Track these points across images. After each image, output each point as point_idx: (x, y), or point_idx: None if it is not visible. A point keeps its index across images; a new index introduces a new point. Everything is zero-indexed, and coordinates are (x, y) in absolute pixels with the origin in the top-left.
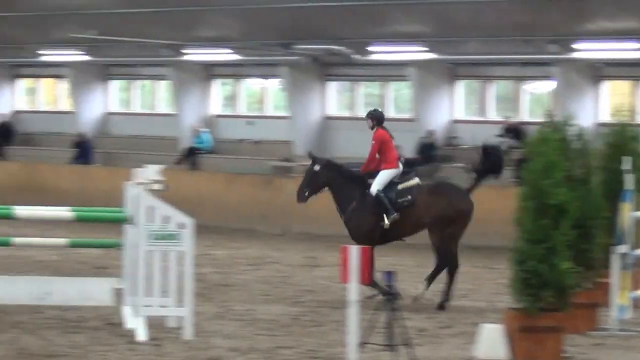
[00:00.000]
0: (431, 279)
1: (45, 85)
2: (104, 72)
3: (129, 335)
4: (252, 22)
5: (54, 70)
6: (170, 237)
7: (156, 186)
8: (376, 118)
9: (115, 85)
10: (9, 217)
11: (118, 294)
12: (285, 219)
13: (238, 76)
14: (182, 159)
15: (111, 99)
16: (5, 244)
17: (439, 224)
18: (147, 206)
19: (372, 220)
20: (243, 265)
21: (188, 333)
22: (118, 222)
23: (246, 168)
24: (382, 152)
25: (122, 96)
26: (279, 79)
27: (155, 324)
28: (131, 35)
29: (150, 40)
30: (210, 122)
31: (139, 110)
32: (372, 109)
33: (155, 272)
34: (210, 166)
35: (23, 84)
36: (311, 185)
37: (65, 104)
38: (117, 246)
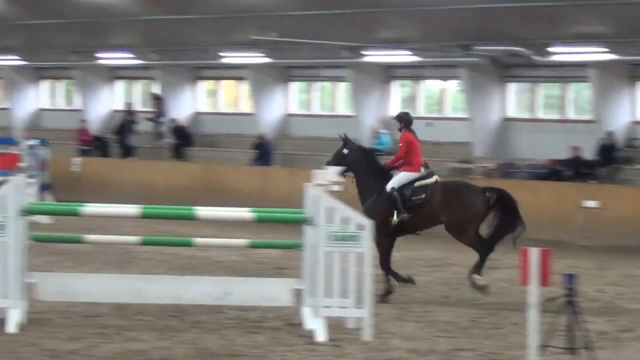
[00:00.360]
0: (477, 268)
1: (226, 87)
2: (284, 74)
3: (309, 335)
4: (432, 23)
5: (234, 72)
6: (349, 238)
7: (335, 187)
8: (404, 121)
9: (295, 87)
10: (190, 218)
11: (298, 294)
12: None
13: (417, 78)
14: None
15: (291, 100)
16: (187, 245)
17: (459, 225)
18: (326, 207)
19: (385, 216)
20: (422, 267)
21: (367, 334)
22: (298, 223)
23: None
24: (406, 155)
25: (301, 98)
26: (458, 81)
27: (335, 325)
28: (311, 37)
29: (330, 42)
30: (389, 123)
31: (318, 111)
32: (401, 111)
33: (335, 273)
34: None
35: (204, 86)
36: (337, 165)
37: (245, 106)
38: (297, 247)
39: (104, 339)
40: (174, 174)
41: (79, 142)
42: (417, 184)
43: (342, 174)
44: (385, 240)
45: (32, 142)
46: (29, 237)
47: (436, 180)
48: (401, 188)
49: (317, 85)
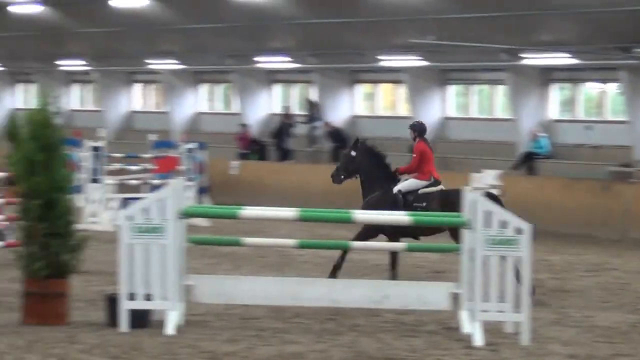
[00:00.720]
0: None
1: (383, 90)
2: (441, 77)
3: (466, 339)
4: (591, 25)
5: (392, 76)
6: (507, 242)
7: (493, 191)
8: (418, 130)
9: (452, 90)
10: (348, 221)
11: (455, 298)
12: (624, 224)
13: (576, 80)
14: (520, 164)
15: (449, 103)
16: (345, 247)
17: (454, 229)
18: (484, 211)
19: None
20: (580, 271)
21: (525, 339)
22: (456, 227)
23: (584, 173)
24: (419, 164)
25: (459, 101)
26: (618, 83)
27: (492, 329)
28: (469, 40)
29: (488, 45)
30: (548, 126)
31: (476, 115)
32: (415, 121)
33: (493, 277)
34: (547, 171)
35: (362, 89)
36: (347, 169)
37: (403, 109)
38: (455, 251)
39: (261, 341)
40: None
41: (238, 145)
42: (420, 191)
43: (352, 177)
44: (372, 234)
45: (190, 145)
46: (187, 240)
47: (441, 190)
48: (407, 193)
49: (475, 88)
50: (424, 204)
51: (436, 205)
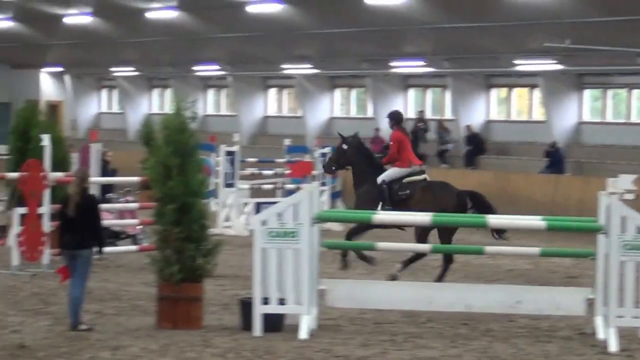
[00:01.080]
0: (407, 263)
1: (518, 94)
2: (577, 81)
3: (601, 345)
4: None
5: (527, 80)
6: None
7: (629, 196)
8: (395, 118)
9: (587, 94)
10: (482, 226)
11: (591, 304)
12: None
13: None
14: None
15: (584, 108)
16: (479, 252)
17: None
18: (620, 216)
19: (373, 206)
20: None
21: None
22: (590, 232)
23: None
24: (397, 151)
25: (594, 105)
26: None
27: (628, 335)
28: (605, 44)
29: (624, 48)
30: None
31: (612, 119)
32: (392, 110)
33: (628, 283)
34: None
35: (496, 93)
36: (338, 161)
37: (538, 114)
38: (590, 256)
39: (394, 346)
40: (465, 181)
41: (372, 149)
42: (405, 180)
43: (343, 169)
44: (366, 227)
45: (324, 150)
46: (321, 244)
47: (425, 179)
48: (391, 182)
49: (611, 92)
50: (408, 192)
51: (419, 193)
